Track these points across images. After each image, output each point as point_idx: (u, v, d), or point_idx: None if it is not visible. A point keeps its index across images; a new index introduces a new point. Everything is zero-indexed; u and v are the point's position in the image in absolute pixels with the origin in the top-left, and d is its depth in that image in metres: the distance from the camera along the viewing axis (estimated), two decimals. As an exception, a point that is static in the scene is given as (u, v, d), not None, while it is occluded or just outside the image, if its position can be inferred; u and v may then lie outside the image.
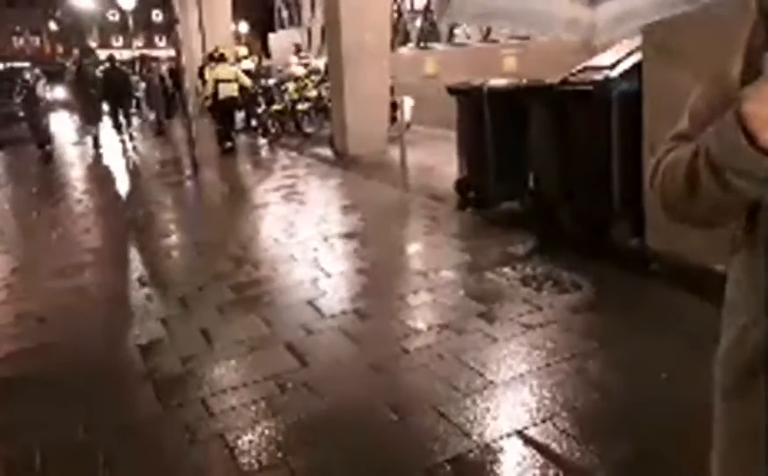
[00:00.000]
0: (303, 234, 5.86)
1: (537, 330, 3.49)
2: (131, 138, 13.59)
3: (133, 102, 17.04)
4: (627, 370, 3.04)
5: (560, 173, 5.13)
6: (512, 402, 2.83)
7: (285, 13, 25.16)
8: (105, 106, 13.30)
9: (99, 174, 10.70)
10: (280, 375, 3.18)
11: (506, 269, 4.47)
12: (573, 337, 3.42)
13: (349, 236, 5.76)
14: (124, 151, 12.64)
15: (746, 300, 1.04)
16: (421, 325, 3.71)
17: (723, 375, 1.11)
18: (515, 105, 5.52)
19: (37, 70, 14.05)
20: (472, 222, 5.99)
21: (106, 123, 13.53)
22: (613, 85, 4.50)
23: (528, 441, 2.54)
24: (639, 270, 4.23)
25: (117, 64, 14.21)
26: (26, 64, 25.06)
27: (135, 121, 16.19)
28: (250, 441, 2.66)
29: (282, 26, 25.18)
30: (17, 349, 3.75)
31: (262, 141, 12.38)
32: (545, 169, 5.41)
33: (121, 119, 13.63)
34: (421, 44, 15.34)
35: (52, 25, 49.29)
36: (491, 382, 2.98)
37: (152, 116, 18.55)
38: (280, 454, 2.57)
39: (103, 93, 12.94)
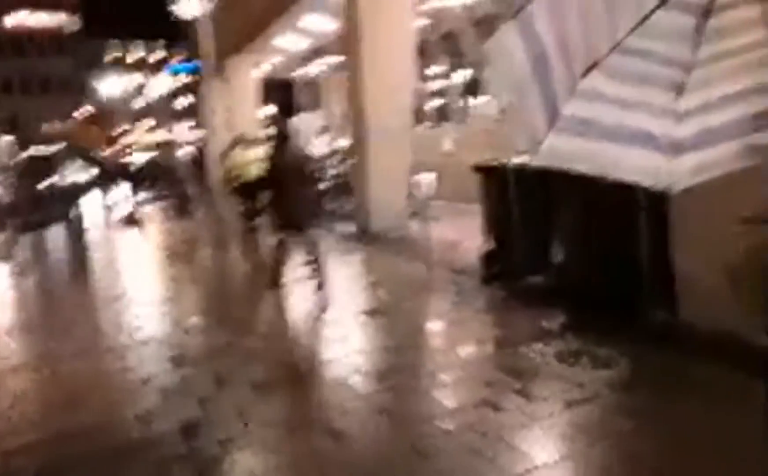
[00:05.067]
0: (331, 312, 5.88)
1: (577, 408, 3.43)
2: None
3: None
4: (672, 451, 2.96)
5: (587, 248, 5.16)
6: (559, 484, 2.77)
7: (305, 98, 26.05)
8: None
9: (126, 253, 10.92)
10: (319, 456, 3.15)
11: (539, 345, 4.43)
12: (615, 416, 3.36)
13: (377, 312, 5.77)
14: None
15: None
16: (457, 403, 3.67)
17: None
18: (540, 181, 5.62)
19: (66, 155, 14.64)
20: (499, 297, 5.98)
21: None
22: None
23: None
24: (673, 344, 4.17)
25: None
26: (57, 148, 26.13)
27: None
28: (294, 527, 2.62)
29: (302, 110, 26.03)
30: (56, 433, 3.75)
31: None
32: (572, 244, 5.45)
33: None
34: (441, 123, 15.77)
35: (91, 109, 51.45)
36: (535, 466, 2.91)
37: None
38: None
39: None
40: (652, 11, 1.16)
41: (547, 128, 1.28)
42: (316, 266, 6.57)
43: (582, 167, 1.30)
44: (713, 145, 1.22)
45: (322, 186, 12.61)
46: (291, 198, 6.37)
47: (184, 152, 19.57)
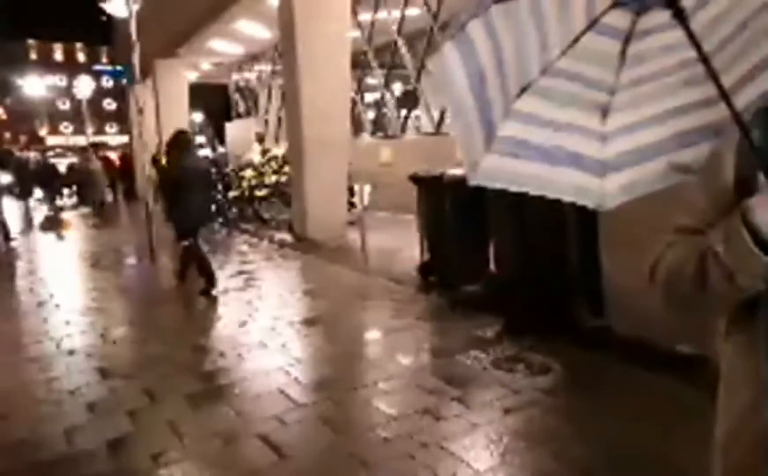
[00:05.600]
0: (268, 321, 5.78)
1: (515, 414, 3.50)
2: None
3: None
4: (608, 453, 3.06)
5: (518, 256, 5.29)
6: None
7: (241, 104, 25.62)
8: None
9: (48, 261, 10.36)
10: (258, 469, 3.07)
11: (477, 352, 4.51)
12: (551, 420, 3.45)
13: (315, 321, 5.72)
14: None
15: (746, 383, 1.10)
16: (398, 411, 3.67)
17: (729, 455, 1.15)
18: (474, 192, 5.73)
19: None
20: (437, 305, 6.05)
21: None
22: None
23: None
24: (604, 350, 4.34)
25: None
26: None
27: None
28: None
29: (238, 115, 25.58)
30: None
31: (221, 226, 12.32)
32: (504, 252, 5.59)
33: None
34: (378, 134, 15.87)
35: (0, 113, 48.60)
36: (478, 471, 2.94)
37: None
38: None
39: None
40: (583, 33, 1.21)
41: (484, 149, 1.31)
42: (185, 259, 7.14)
43: (519, 188, 1.35)
44: (640, 164, 1.29)
45: (259, 193, 12.48)
46: (184, 203, 6.61)
47: (108, 157, 18.78)
